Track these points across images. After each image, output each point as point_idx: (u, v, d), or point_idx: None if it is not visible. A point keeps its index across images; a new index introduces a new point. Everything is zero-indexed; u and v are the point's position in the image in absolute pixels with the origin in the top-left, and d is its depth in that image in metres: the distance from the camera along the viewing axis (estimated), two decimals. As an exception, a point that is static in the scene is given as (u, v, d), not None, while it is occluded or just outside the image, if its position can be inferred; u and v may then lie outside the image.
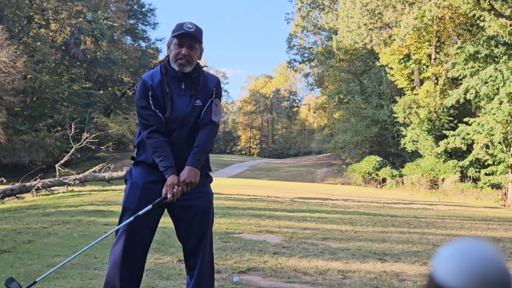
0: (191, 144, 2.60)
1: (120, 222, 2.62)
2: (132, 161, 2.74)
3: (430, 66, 24.50)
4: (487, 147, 19.79)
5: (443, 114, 23.52)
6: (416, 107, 23.53)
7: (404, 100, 24.16)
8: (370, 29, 26.18)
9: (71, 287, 3.29)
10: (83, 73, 38.66)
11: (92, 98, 37.80)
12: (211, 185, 2.83)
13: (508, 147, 19.17)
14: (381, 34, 26.46)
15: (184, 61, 2.55)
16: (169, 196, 2.49)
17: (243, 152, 76.24)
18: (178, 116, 2.59)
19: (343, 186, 23.81)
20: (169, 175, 2.50)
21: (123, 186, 14.15)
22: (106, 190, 12.39)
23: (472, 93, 19.39)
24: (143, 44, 51.19)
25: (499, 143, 18.88)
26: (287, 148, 65.72)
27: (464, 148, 21.35)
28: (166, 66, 2.64)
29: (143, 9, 48.78)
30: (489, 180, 20.32)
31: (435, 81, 24.54)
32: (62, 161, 13.57)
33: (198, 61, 2.67)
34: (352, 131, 29.55)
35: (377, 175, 25.51)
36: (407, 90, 26.06)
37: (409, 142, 24.48)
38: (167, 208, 2.70)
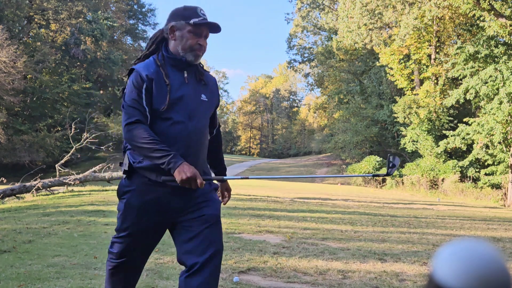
0: (199, 140, 2.28)
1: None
2: (124, 174, 2.26)
3: (430, 66, 24.51)
4: (487, 147, 19.79)
5: (443, 114, 23.52)
6: (416, 107, 23.54)
7: (404, 100, 24.16)
8: (370, 29, 26.18)
9: (71, 287, 3.29)
10: (83, 73, 38.66)
11: (92, 98, 37.80)
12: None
13: (508, 147, 19.17)
14: (381, 34, 26.46)
15: (201, 52, 2.30)
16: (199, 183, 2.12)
17: (243, 152, 76.25)
18: (187, 106, 2.25)
19: (343, 186, 23.81)
20: (181, 161, 2.10)
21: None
22: (106, 190, 12.39)
23: (472, 93, 19.39)
24: (143, 44, 51.16)
25: (499, 143, 18.88)
26: (287, 148, 65.72)
27: (464, 148, 21.36)
28: (163, 55, 2.30)
29: (143, 9, 48.80)
30: (489, 180, 20.32)
31: (435, 81, 24.55)
32: (62, 161, 13.57)
33: None
34: (352, 131, 29.56)
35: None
36: (407, 90, 26.07)
37: (409, 142, 24.48)
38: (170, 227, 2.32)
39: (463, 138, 20.74)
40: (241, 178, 2.54)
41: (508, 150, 19.22)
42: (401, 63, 25.73)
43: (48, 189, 11.97)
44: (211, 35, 2.39)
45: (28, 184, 11.36)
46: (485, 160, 20.47)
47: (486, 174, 20.69)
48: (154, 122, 2.22)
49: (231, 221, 7.02)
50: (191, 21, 2.27)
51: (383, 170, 25.20)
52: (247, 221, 7.08)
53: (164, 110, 2.21)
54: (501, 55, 18.98)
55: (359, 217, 8.66)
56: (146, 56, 2.37)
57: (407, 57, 25.64)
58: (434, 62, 24.42)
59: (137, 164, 2.22)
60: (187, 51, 2.27)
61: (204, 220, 2.23)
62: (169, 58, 2.29)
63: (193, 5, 2.35)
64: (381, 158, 26.41)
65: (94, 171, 13.47)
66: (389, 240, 6.05)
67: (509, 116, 18.01)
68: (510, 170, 19.43)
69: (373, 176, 2.64)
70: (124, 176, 2.27)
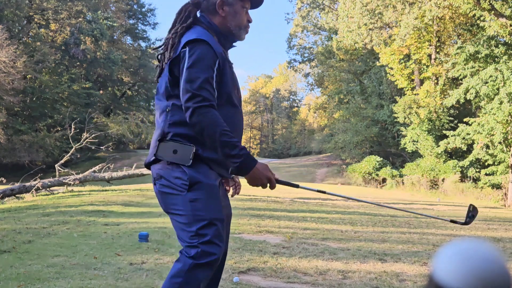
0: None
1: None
2: (188, 162, 1.95)
3: (430, 66, 24.51)
4: (487, 147, 19.79)
5: (443, 114, 23.53)
6: (416, 107, 23.55)
7: (404, 100, 24.17)
8: (370, 29, 26.18)
9: (71, 287, 3.28)
10: (83, 73, 38.67)
11: (92, 98, 37.81)
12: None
13: (508, 147, 19.17)
14: (381, 34, 26.45)
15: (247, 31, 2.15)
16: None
17: (243, 152, 76.24)
18: (239, 91, 2.14)
19: (343, 186, 23.81)
20: (255, 162, 1.93)
21: (123, 186, 14.17)
22: (106, 190, 12.38)
23: (472, 93, 19.39)
24: (143, 44, 51.16)
25: (499, 143, 18.88)
26: (287, 148, 65.74)
27: (464, 148, 21.36)
28: (216, 31, 2.08)
29: (143, 9, 48.79)
30: (489, 180, 20.32)
31: (435, 81, 24.55)
32: (62, 161, 13.56)
33: None
34: (352, 131, 29.56)
35: (377, 175, 25.52)
36: (407, 90, 26.07)
37: (409, 142, 24.49)
38: None
39: (463, 138, 20.74)
40: (317, 191, 2.35)
41: (508, 150, 19.22)
42: (401, 63, 25.73)
43: (47, 189, 11.96)
44: None
45: (27, 184, 11.35)
46: (486, 160, 20.47)
47: (486, 174, 20.69)
48: (220, 107, 1.95)
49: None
50: None
51: (383, 171, 25.21)
52: (247, 221, 7.07)
53: (234, 95, 2.03)
54: (502, 55, 18.98)
55: (359, 217, 8.66)
56: (187, 28, 2.04)
57: (407, 57, 25.64)
58: (434, 62, 24.42)
59: (205, 153, 1.96)
60: (241, 28, 2.10)
61: (227, 218, 2.17)
62: (221, 35, 2.08)
63: None
64: (381, 158, 26.41)
65: (94, 171, 13.47)
66: (389, 240, 6.04)
67: (510, 116, 18.01)
68: (510, 170, 19.42)
69: (450, 221, 2.64)
70: (187, 165, 1.94)
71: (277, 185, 2.12)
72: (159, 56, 2.11)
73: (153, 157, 2.02)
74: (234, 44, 2.18)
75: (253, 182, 1.96)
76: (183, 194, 1.95)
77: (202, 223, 1.92)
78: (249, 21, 2.15)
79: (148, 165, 2.11)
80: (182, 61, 1.95)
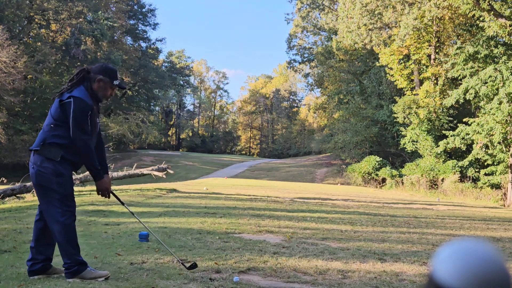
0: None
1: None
2: (57, 159, 3.54)
3: (429, 67, 24.52)
4: (487, 147, 19.79)
5: (443, 114, 23.53)
6: (416, 107, 23.55)
7: (404, 100, 24.17)
8: (370, 30, 26.19)
9: (71, 287, 3.30)
10: (83, 73, 38.61)
11: (92, 98, 37.75)
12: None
13: (508, 147, 19.17)
14: (381, 34, 26.47)
15: None
16: None
17: (243, 152, 76.26)
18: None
19: (343, 186, 23.82)
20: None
21: (124, 186, 14.16)
22: (106, 190, 12.35)
23: (471, 93, 19.40)
24: (143, 45, 51.19)
25: (499, 143, 18.88)
26: (287, 148, 65.73)
27: (464, 148, 21.36)
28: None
29: (144, 10, 48.79)
30: (488, 180, 20.32)
31: (435, 81, 24.56)
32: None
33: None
34: (352, 131, 29.57)
35: (376, 175, 25.52)
36: (407, 90, 26.08)
37: (408, 142, 24.49)
38: None
39: (463, 138, 20.74)
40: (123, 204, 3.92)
41: (507, 150, 19.23)
42: (401, 63, 25.74)
43: (48, 189, 11.95)
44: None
45: (28, 184, 11.35)
46: (485, 160, 20.48)
47: (485, 174, 20.70)
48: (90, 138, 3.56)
49: (231, 221, 7.03)
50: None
51: (383, 171, 25.22)
52: (247, 221, 7.08)
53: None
54: (501, 55, 18.99)
55: (359, 217, 8.67)
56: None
57: (407, 57, 25.64)
58: (434, 62, 24.43)
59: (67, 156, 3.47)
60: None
61: None
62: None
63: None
64: (381, 158, 26.42)
65: (94, 171, 13.44)
66: (388, 240, 6.05)
67: (509, 116, 18.02)
68: (509, 170, 19.43)
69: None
70: (56, 160, 3.43)
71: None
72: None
73: (37, 148, 3.47)
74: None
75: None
76: (52, 178, 3.42)
77: (62, 195, 3.44)
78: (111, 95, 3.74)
79: (31, 151, 3.53)
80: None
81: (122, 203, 3.83)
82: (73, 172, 3.59)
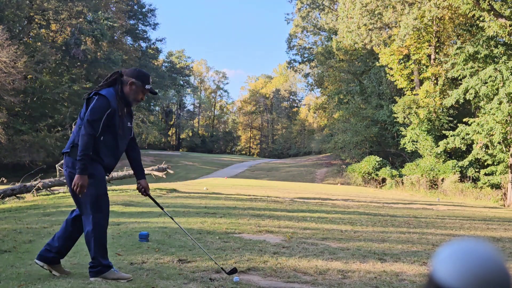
0: None
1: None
2: None
3: (429, 67, 24.51)
4: (487, 147, 19.79)
5: (443, 114, 23.53)
6: (416, 107, 23.55)
7: (404, 100, 24.17)
8: (370, 30, 26.19)
9: (71, 287, 3.30)
10: (83, 74, 38.67)
11: (93, 98, 37.75)
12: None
13: (508, 147, 19.17)
14: (381, 34, 26.47)
15: None
16: None
17: (243, 152, 76.26)
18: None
19: (343, 186, 23.81)
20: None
21: (124, 186, 14.16)
22: (106, 190, 12.35)
23: (471, 93, 19.39)
24: (143, 45, 51.20)
25: (499, 143, 18.88)
26: (287, 148, 65.73)
27: (464, 148, 21.36)
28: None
29: (144, 10, 48.80)
30: (488, 180, 20.32)
31: (435, 81, 24.55)
32: (63, 161, 13.55)
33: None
34: (352, 131, 29.57)
35: (376, 175, 25.52)
36: (407, 90, 26.07)
37: (408, 142, 24.49)
38: None
39: (463, 138, 20.74)
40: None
41: (507, 150, 19.23)
42: (401, 63, 25.74)
43: (48, 189, 11.98)
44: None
45: (28, 184, 11.36)
46: (485, 160, 20.48)
47: (485, 174, 20.70)
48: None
49: (231, 221, 7.03)
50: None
51: (383, 171, 25.22)
52: (247, 221, 7.08)
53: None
54: (501, 55, 18.98)
55: (359, 217, 8.67)
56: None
57: (407, 57, 25.64)
58: (434, 62, 24.42)
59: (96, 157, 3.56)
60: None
61: None
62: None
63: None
64: (380, 158, 26.42)
65: (94, 171, 13.44)
66: (388, 240, 6.05)
67: (509, 116, 18.01)
68: (509, 170, 19.43)
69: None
70: None
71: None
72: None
73: (67, 151, 3.56)
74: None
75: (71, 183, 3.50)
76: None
77: (93, 196, 3.47)
78: (142, 99, 3.78)
79: (63, 154, 3.65)
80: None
81: (162, 208, 3.90)
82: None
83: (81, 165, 3.40)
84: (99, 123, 3.43)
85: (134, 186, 15.21)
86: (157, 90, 51.63)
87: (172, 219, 4.08)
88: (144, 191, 3.75)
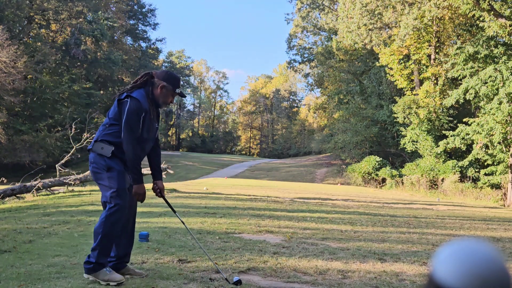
0: None
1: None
2: (108, 155, 3.65)
3: (429, 67, 24.52)
4: (487, 147, 19.79)
5: (443, 114, 23.53)
6: (416, 107, 23.55)
7: (404, 100, 24.17)
8: (370, 30, 26.19)
9: (71, 287, 3.30)
10: (83, 74, 38.67)
11: (93, 98, 37.81)
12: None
13: (508, 147, 19.18)
14: (381, 34, 26.47)
15: None
16: None
17: (243, 152, 76.27)
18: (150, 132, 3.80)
19: (343, 186, 23.81)
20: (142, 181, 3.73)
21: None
22: (106, 190, 12.34)
23: (471, 93, 19.40)
24: (143, 45, 51.20)
25: (499, 143, 18.88)
26: (287, 148, 65.73)
27: (464, 148, 21.37)
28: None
29: (144, 10, 48.80)
30: (488, 180, 20.33)
31: (435, 81, 24.56)
32: (63, 161, 13.57)
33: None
34: (352, 131, 29.57)
35: (376, 175, 25.52)
36: (407, 91, 26.08)
37: (408, 142, 24.49)
38: None
39: (463, 138, 20.74)
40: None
41: (507, 150, 19.23)
42: (401, 63, 25.74)
43: (48, 189, 11.98)
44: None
45: (28, 184, 11.36)
46: (485, 160, 20.48)
47: (485, 174, 20.70)
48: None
49: (231, 221, 7.03)
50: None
51: (383, 171, 25.23)
52: (247, 221, 7.08)
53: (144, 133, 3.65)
54: (501, 55, 18.98)
55: (359, 217, 8.67)
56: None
57: (407, 57, 25.64)
58: (434, 62, 24.43)
59: (119, 154, 3.55)
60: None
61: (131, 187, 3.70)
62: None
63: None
64: (380, 158, 26.42)
65: (94, 171, 13.43)
66: (388, 240, 6.05)
67: (509, 116, 18.01)
68: (509, 170, 19.43)
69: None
70: (107, 156, 3.54)
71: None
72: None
73: (90, 147, 3.61)
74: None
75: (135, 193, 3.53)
76: (103, 173, 3.51)
77: (112, 189, 3.46)
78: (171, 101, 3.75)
79: (88, 150, 3.67)
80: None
81: (174, 211, 3.89)
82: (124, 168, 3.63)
83: (133, 176, 3.49)
84: (138, 125, 3.47)
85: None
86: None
87: (183, 223, 4.05)
88: (160, 192, 3.75)
